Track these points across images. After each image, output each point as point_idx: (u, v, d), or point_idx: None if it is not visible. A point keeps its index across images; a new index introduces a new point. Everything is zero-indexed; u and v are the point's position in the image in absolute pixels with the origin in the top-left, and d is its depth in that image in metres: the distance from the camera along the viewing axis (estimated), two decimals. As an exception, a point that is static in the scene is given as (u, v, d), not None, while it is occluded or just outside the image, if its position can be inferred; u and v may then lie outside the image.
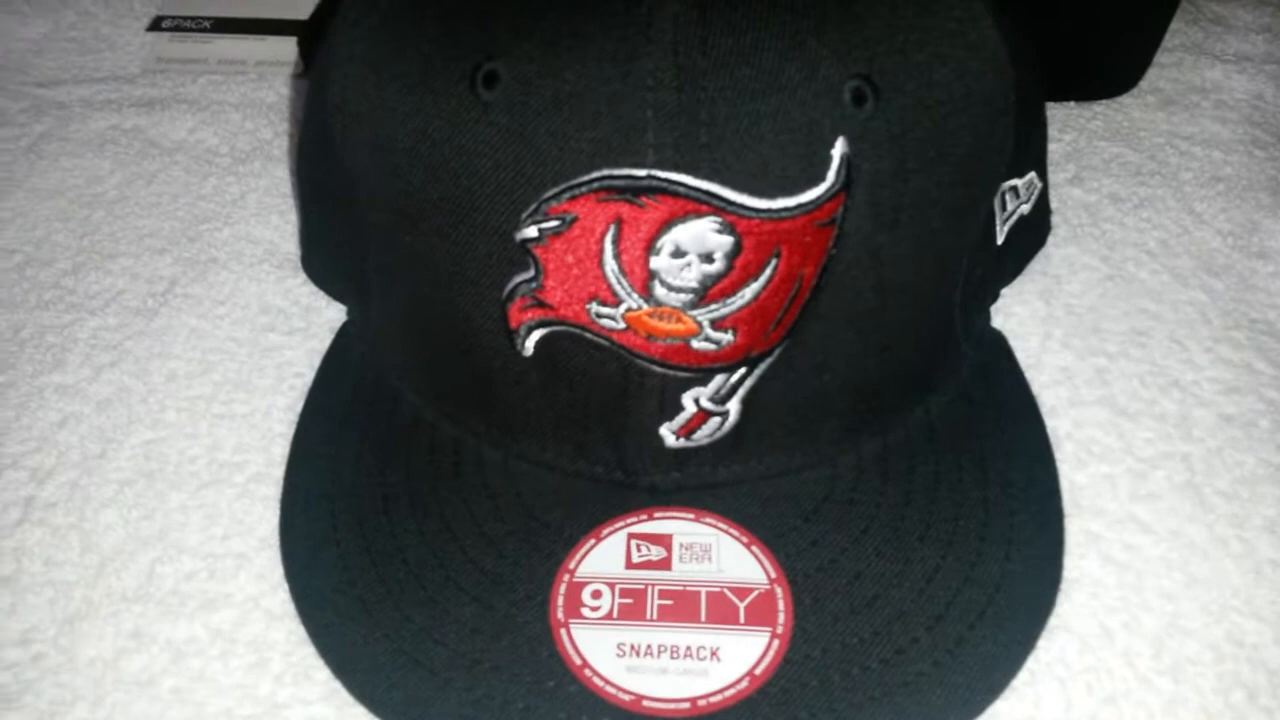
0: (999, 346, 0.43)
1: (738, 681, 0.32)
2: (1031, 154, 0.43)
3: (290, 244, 0.48)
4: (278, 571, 0.36)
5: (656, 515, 0.36)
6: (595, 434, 0.36)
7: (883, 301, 0.35)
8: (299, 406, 0.41)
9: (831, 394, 0.36)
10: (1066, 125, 0.57)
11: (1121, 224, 0.51)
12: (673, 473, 0.36)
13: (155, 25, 0.62)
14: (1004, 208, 0.41)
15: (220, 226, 0.48)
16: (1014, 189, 0.41)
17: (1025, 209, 0.43)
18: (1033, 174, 0.43)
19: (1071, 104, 0.58)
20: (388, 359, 0.41)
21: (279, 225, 0.49)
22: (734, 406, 0.35)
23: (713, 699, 0.32)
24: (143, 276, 0.46)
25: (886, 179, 0.33)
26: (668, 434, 0.35)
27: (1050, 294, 0.47)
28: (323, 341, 0.44)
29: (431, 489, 0.37)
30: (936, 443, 0.38)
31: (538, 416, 0.36)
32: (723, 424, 0.35)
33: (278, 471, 0.39)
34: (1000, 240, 0.41)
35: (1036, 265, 0.48)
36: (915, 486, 0.37)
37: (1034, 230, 0.46)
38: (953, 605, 0.34)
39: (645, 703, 0.32)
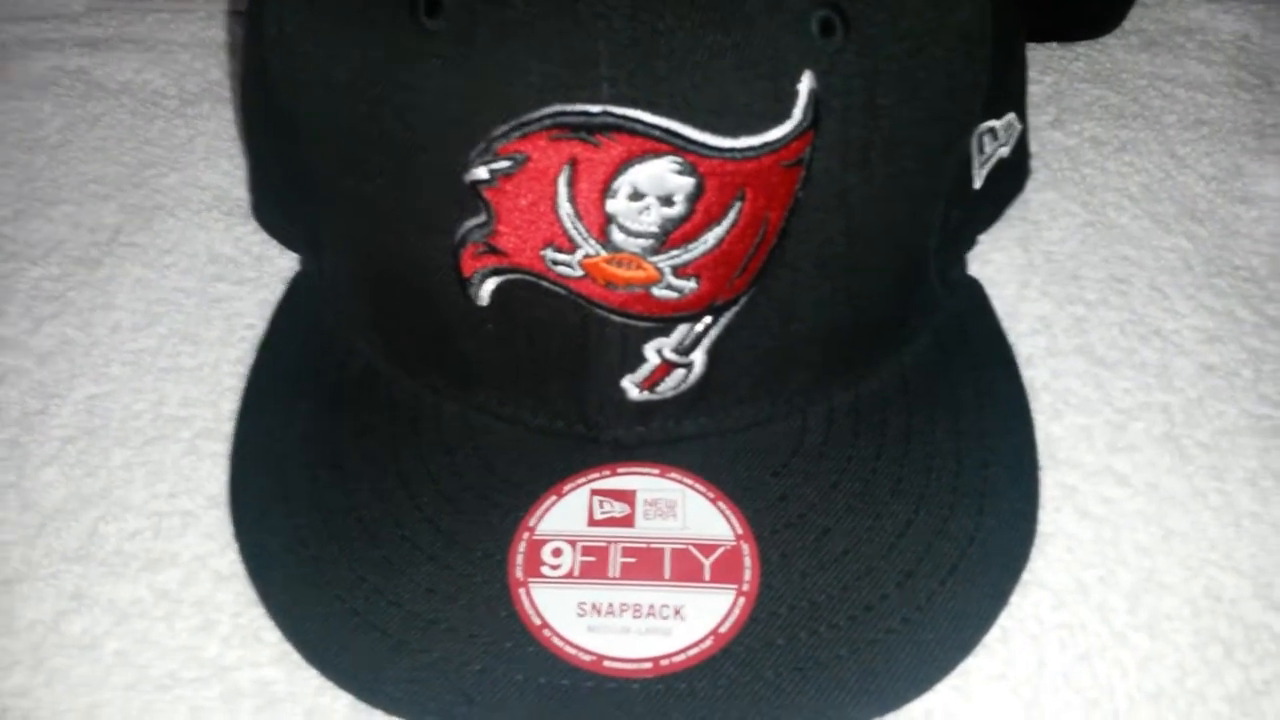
0: (975, 295, 0.42)
1: (701, 640, 0.31)
2: (1011, 94, 0.41)
3: (240, 190, 0.46)
4: (226, 530, 0.35)
5: (620, 471, 0.35)
6: (555, 387, 0.35)
7: (853, 247, 0.33)
8: (249, 359, 0.39)
9: (800, 344, 0.35)
10: (1048, 67, 0.55)
11: (1103, 168, 0.50)
12: (636, 427, 0.35)
13: (101, -39, 0.59)
14: (981, 150, 0.39)
15: (167, 172, 0.46)
16: (992, 130, 0.40)
17: (1004, 152, 0.41)
18: (1012, 115, 0.42)
19: (1053, 45, 0.57)
20: (341, 310, 0.39)
21: (228, 170, 0.47)
22: (699, 358, 0.34)
23: (675, 658, 0.31)
24: (86, 224, 0.44)
25: (857, 116, 0.31)
26: (630, 387, 0.34)
27: (1029, 241, 0.46)
28: (274, 291, 0.42)
29: (387, 445, 0.36)
30: (910, 394, 0.37)
31: (496, 369, 0.35)
32: (687, 376, 0.34)
33: (227, 427, 0.38)
34: (978, 184, 0.40)
35: (1015, 211, 0.46)
36: (887, 439, 0.36)
37: (1013, 174, 0.45)
38: (924, 560, 0.33)
39: (606, 663, 0.31)
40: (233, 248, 0.44)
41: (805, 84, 0.30)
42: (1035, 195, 0.48)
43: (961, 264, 0.43)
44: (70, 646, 0.32)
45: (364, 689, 0.31)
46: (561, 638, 0.31)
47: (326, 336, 0.39)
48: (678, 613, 0.32)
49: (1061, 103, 0.53)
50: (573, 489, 0.35)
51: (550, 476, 0.35)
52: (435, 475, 0.35)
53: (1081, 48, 0.57)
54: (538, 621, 0.32)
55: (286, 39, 0.33)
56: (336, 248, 0.38)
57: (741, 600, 0.32)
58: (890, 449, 0.35)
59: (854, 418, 0.36)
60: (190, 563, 0.34)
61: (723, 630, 0.31)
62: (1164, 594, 0.34)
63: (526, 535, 0.33)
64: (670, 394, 0.34)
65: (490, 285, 0.33)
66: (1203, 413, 0.39)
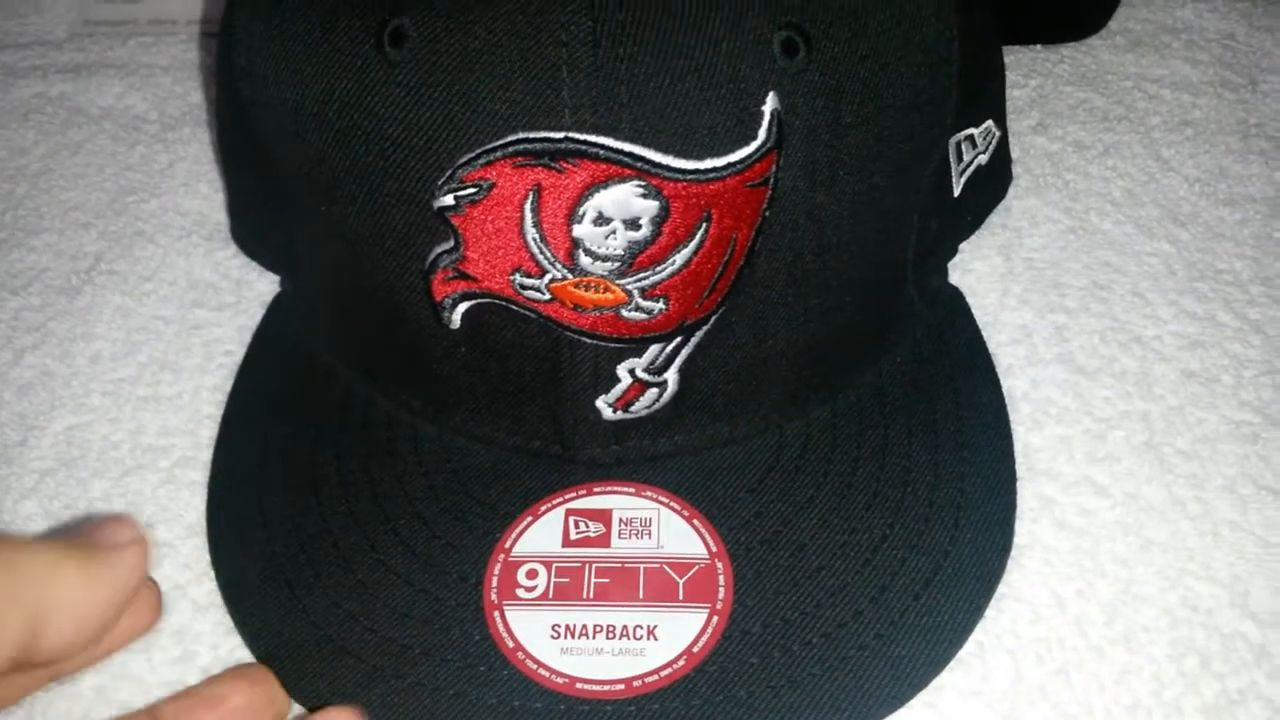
0: (956, 304, 0.42)
1: (674, 660, 0.31)
2: (988, 101, 0.41)
3: (220, 214, 0.46)
4: (204, 560, 0.35)
5: (595, 490, 0.35)
6: (530, 408, 0.35)
7: (825, 263, 0.33)
8: (228, 386, 0.39)
9: (774, 360, 0.35)
10: (1032, 70, 0.55)
11: (1086, 173, 0.49)
12: (612, 445, 0.35)
13: (84, -14, 0.59)
14: (960, 158, 0.39)
15: (147, 198, 0.47)
16: (970, 138, 0.40)
17: (983, 159, 0.41)
18: (990, 122, 0.41)
19: (1037, 47, 0.56)
20: (319, 331, 0.39)
21: (208, 195, 0.47)
22: (671, 377, 0.34)
23: (648, 679, 0.31)
24: (67, 253, 0.45)
25: (822, 134, 0.31)
26: (604, 407, 0.34)
27: (1010, 248, 0.46)
28: (254, 317, 0.42)
29: (363, 468, 0.36)
30: (887, 406, 0.37)
31: (471, 391, 0.35)
32: (661, 395, 0.34)
33: (205, 455, 0.38)
34: (956, 192, 0.40)
35: (996, 218, 0.46)
36: (863, 452, 0.36)
37: (993, 181, 0.45)
38: (898, 575, 0.33)
39: (579, 685, 0.31)
40: (212, 273, 0.44)
41: (769, 105, 0.30)
42: (1017, 202, 0.47)
43: (942, 273, 0.42)
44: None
45: None
46: (535, 660, 0.31)
47: (305, 360, 0.39)
48: (651, 633, 0.32)
49: (1045, 106, 0.53)
50: (549, 509, 0.35)
51: (526, 497, 0.35)
52: (412, 498, 0.35)
53: (1067, 49, 0.57)
54: (511, 644, 0.32)
55: (255, 69, 0.33)
56: (312, 270, 0.38)
57: (715, 619, 0.32)
58: (866, 463, 0.35)
59: (831, 432, 0.36)
60: (169, 593, 0.34)
61: (696, 650, 0.31)
62: (1141, 605, 0.34)
63: (502, 557, 0.34)
64: (645, 413, 0.34)
65: (462, 309, 0.33)
66: (1183, 420, 0.39)
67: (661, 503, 0.35)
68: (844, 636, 0.32)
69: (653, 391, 0.34)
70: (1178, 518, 0.36)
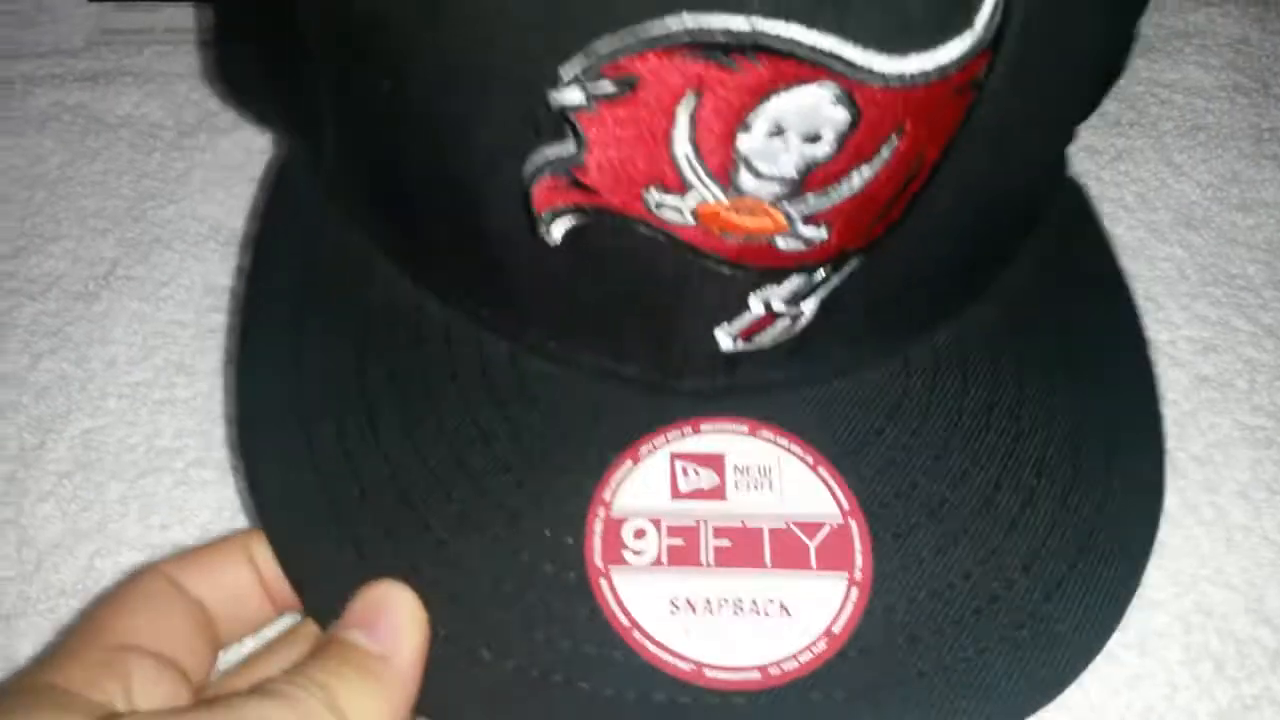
0: (1079, 199, 0.38)
1: (814, 643, 0.27)
2: None
3: (236, 220, 0.46)
4: (218, 562, 0.35)
5: (703, 428, 0.30)
6: (633, 332, 0.30)
7: (994, 178, 0.29)
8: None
9: (918, 287, 0.31)
10: (1043, 75, 0.55)
11: (1098, 178, 0.49)
12: (720, 377, 0.30)
13: (101, -5, 0.60)
14: None
15: (164, 204, 0.47)
16: None
17: None
18: None
19: (1049, 53, 0.57)
20: (353, 212, 0.32)
21: (224, 200, 0.47)
22: (809, 305, 0.29)
23: (786, 665, 0.27)
24: (84, 259, 0.45)
25: (1036, 34, 0.25)
26: (724, 337, 0.29)
27: (1021, 253, 0.46)
28: (268, 321, 0.42)
29: (421, 395, 0.30)
30: (1016, 327, 0.33)
31: (558, 307, 0.30)
32: (793, 326, 0.29)
33: (217, 454, 0.38)
34: None
35: (1008, 223, 0.46)
36: (1000, 387, 0.32)
37: None
38: (1049, 538, 0.29)
39: (707, 671, 0.27)
40: (228, 278, 0.44)
41: None
42: (1028, 207, 0.47)
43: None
44: (65, 680, 0.33)
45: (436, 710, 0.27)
46: (655, 642, 0.27)
47: (334, 246, 0.33)
48: (784, 608, 0.28)
49: (1056, 111, 0.53)
50: (650, 452, 0.30)
51: (623, 434, 0.30)
52: (488, 434, 0.30)
53: (1078, 54, 0.57)
54: (625, 621, 0.27)
55: None
56: (354, 141, 0.31)
57: (854, 591, 0.28)
58: (1005, 398, 0.32)
59: (961, 361, 0.32)
60: (183, 595, 0.35)
61: (836, 630, 0.28)
62: (1155, 611, 0.34)
63: (603, 513, 0.29)
64: (768, 344, 0.30)
65: (565, 225, 0.27)
66: (1196, 426, 0.39)
67: (781, 446, 0.30)
68: (998, 612, 0.28)
69: (784, 322, 0.29)
70: (1191, 523, 0.36)
